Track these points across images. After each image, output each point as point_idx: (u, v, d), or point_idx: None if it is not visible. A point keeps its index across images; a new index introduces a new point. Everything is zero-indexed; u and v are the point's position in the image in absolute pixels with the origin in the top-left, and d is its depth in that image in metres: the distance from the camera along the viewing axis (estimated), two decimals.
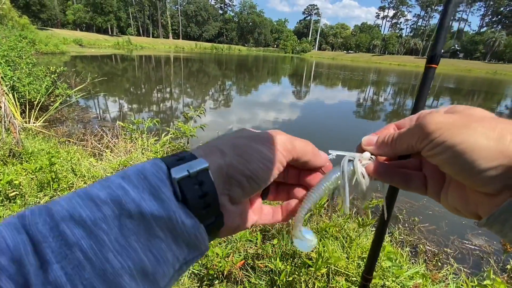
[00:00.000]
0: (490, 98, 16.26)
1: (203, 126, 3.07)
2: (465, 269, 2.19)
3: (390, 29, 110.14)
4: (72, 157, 2.79)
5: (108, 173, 2.55)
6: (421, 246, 2.48)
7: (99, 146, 3.47)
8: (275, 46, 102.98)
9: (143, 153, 2.91)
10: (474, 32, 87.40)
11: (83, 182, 2.50)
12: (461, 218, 2.67)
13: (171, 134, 3.02)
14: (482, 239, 2.64)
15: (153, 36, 79.09)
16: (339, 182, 0.30)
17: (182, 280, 1.61)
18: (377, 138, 0.31)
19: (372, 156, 0.31)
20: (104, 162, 2.88)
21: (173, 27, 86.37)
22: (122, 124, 3.34)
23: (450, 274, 1.92)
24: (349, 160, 0.31)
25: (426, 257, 2.35)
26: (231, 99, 10.46)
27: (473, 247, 2.54)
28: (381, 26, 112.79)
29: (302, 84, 16.96)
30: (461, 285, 1.74)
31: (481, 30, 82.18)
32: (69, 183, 2.45)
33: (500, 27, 77.81)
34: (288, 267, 1.61)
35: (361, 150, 0.32)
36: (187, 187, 0.22)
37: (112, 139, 3.51)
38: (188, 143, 3.22)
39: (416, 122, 0.26)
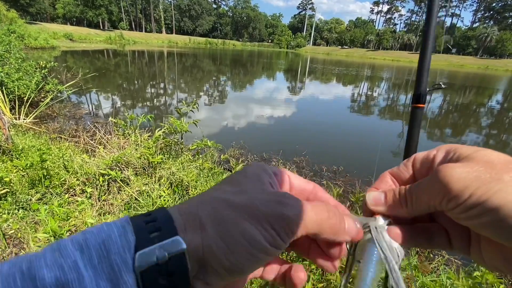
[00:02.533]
0: (482, 93, 16.50)
1: (195, 121, 3.05)
2: (456, 260, 2.24)
3: (384, 24, 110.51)
4: (64, 154, 2.75)
5: (101, 169, 2.51)
6: None
7: (92, 142, 3.42)
8: (269, 41, 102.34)
9: (136, 149, 2.88)
10: (466, 27, 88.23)
11: (75, 178, 2.47)
12: None
13: (164, 129, 3.00)
14: None
15: (146, 31, 77.76)
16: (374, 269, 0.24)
17: None
18: (383, 196, 0.26)
19: (389, 219, 0.26)
20: (97, 158, 2.84)
21: (166, 22, 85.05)
22: (115, 120, 3.30)
23: (441, 265, 1.97)
24: (366, 228, 0.25)
25: (418, 249, 2.40)
26: (226, 94, 10.40)
27: None
28: (376, 21, 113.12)
29: (297, 80, 16.95)
30: (452, 276, 1.78)
31: (474, 26, 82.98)
32: (61, 180, 2.42)
33: (492, 22, 78.67)
34: None
35: (368, 210, 0.27)
36: (151, 280, 0.18)
37: (105, 135, 3.46)
38: (181, 138, 3.20)
39: (435, 177, 0.22)
